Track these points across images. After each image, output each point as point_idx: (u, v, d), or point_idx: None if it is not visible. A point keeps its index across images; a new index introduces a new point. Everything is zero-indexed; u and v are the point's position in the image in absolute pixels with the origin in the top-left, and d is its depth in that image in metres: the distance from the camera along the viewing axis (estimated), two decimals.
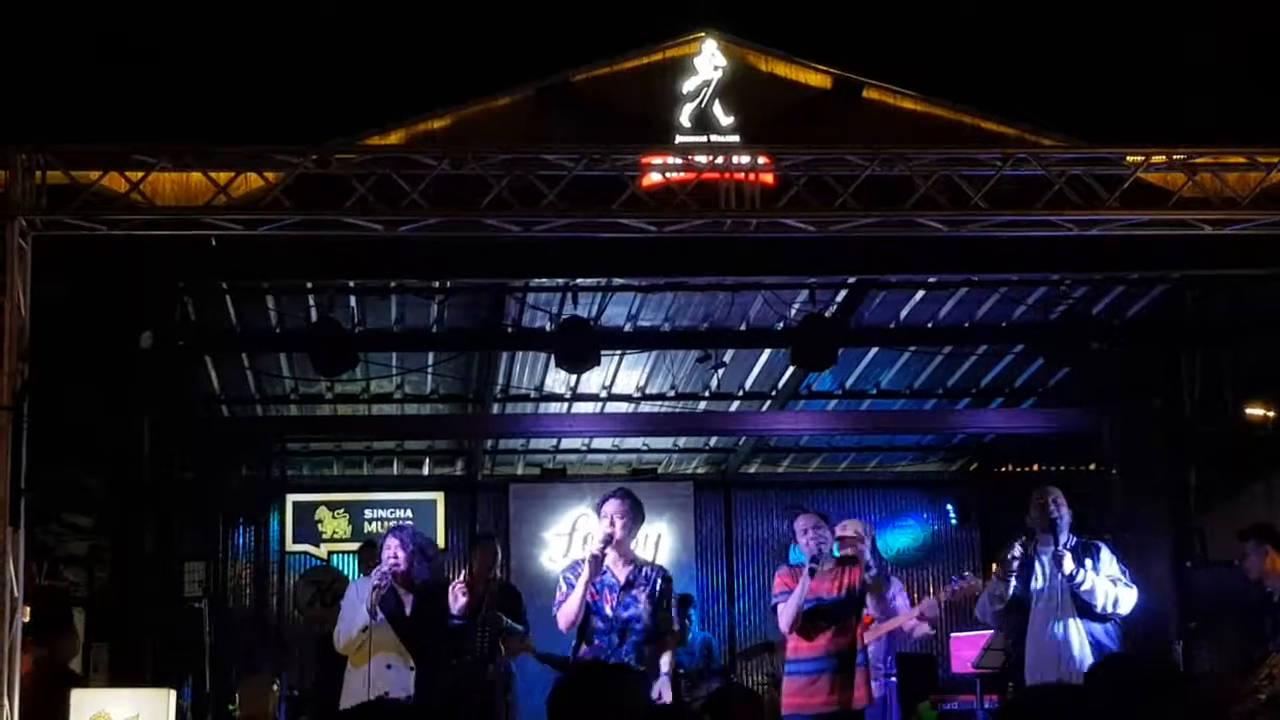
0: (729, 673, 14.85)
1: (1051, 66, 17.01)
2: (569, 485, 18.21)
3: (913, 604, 12.59)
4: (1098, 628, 9.91)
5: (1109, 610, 9.88)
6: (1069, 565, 9.86)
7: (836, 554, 10.47)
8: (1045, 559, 10.06)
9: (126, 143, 10.44)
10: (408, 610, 9.07)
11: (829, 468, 18.95)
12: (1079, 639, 9.89)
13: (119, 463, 12.69)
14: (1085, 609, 9.91)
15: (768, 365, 15.35)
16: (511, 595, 12.66)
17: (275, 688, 13.27)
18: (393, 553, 9.35)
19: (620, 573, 9.60)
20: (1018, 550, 10.06)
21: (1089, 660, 9.72)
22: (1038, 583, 10.05)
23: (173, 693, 10.39)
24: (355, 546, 16.67)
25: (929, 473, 19.18)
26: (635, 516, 9.65)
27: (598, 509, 9.77)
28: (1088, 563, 9.91)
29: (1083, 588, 9.84)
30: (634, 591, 9.55)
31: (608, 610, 9.55)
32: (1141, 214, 10.80)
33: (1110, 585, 9.89)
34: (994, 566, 10.52)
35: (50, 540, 14.33)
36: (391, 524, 16.75)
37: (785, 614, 10.06)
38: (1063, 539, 9.99)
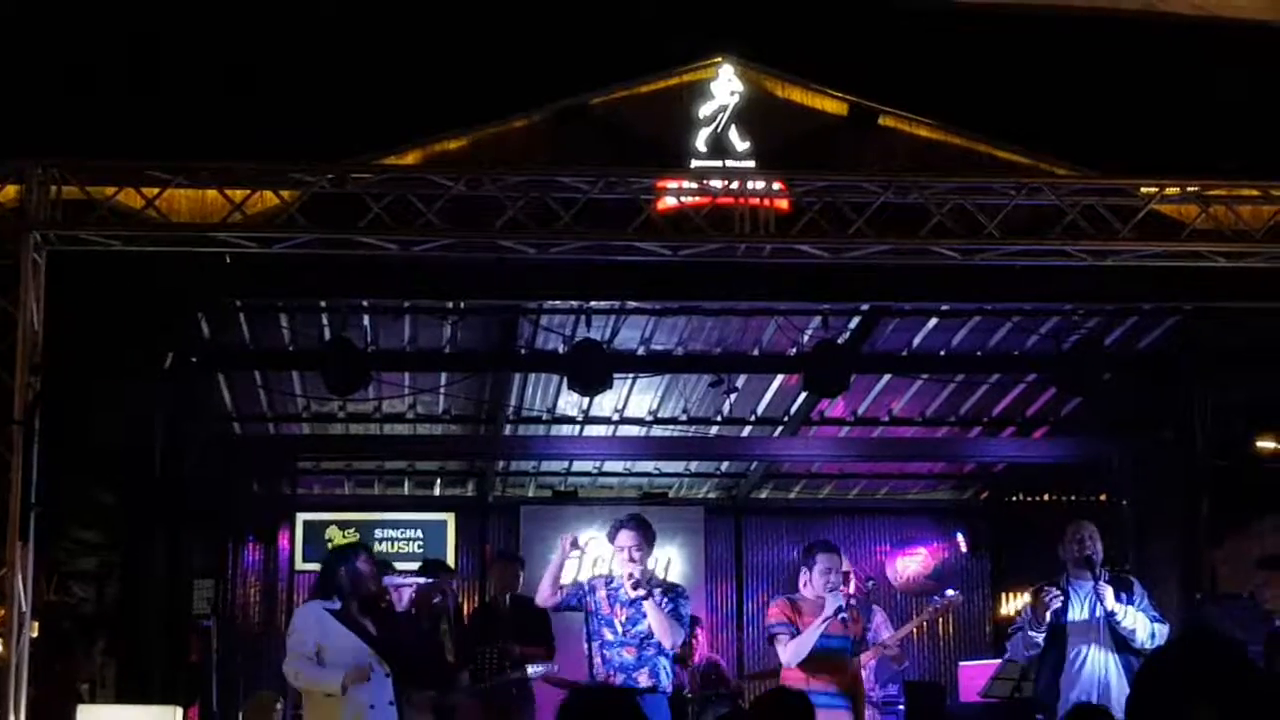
0: (736, 697, 14.80)
1: (1066, 96, 17.02)
2: (580, 507, 18.18)
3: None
4: (1135, 662, 9.85)
5: (1147, 645, 9.81)
6: (1111, 601, 9.81)
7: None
8: (1080, 592, 10.00)
9: (142, 159, 10.50)
10: (372, 629, 9.07)
11: (840, 494, 18.91)
12: (1118, 674, 9.84)
13: (130, 479, 12.70)
14: (1123, 643, 9.86)
15: (780, 390, 15.35)
16: (536, 613, 12.51)
17: (279, 707, 13.26)
18: (370, 567, 9.30)
19: (632, 592, 9.64)
20: (1057, 603, 9.98)
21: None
22: (1073, 614, 9.99)
23: (179, 710, 10.40)
24: None
25: (940, 501, 19.14)
26: (650, 543, 9.78)
27: (612, 537, 9.79)
28: (1124, 597, 9.89)
29: (1124, 623, 9.78)
30: (643, 609, 9.57)
31: (618, 625, 9.59)
32: (1155, 245, 10.84)
33: (1148, 621, 9.86)
34: (1028, 606, 10.44)
35: (60, 555, 14.35)
36: (422, 548, 17.01)
37: (794, 648, 9.77)
38: (1099, 573, 9.95)
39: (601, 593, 9.75)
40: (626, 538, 9.68)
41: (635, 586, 9.57)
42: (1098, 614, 9.89)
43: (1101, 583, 9.87)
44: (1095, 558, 9.97)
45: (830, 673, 9.74)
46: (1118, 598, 9.85)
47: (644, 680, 9.55)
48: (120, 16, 15.60)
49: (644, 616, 9.57)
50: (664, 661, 9.67)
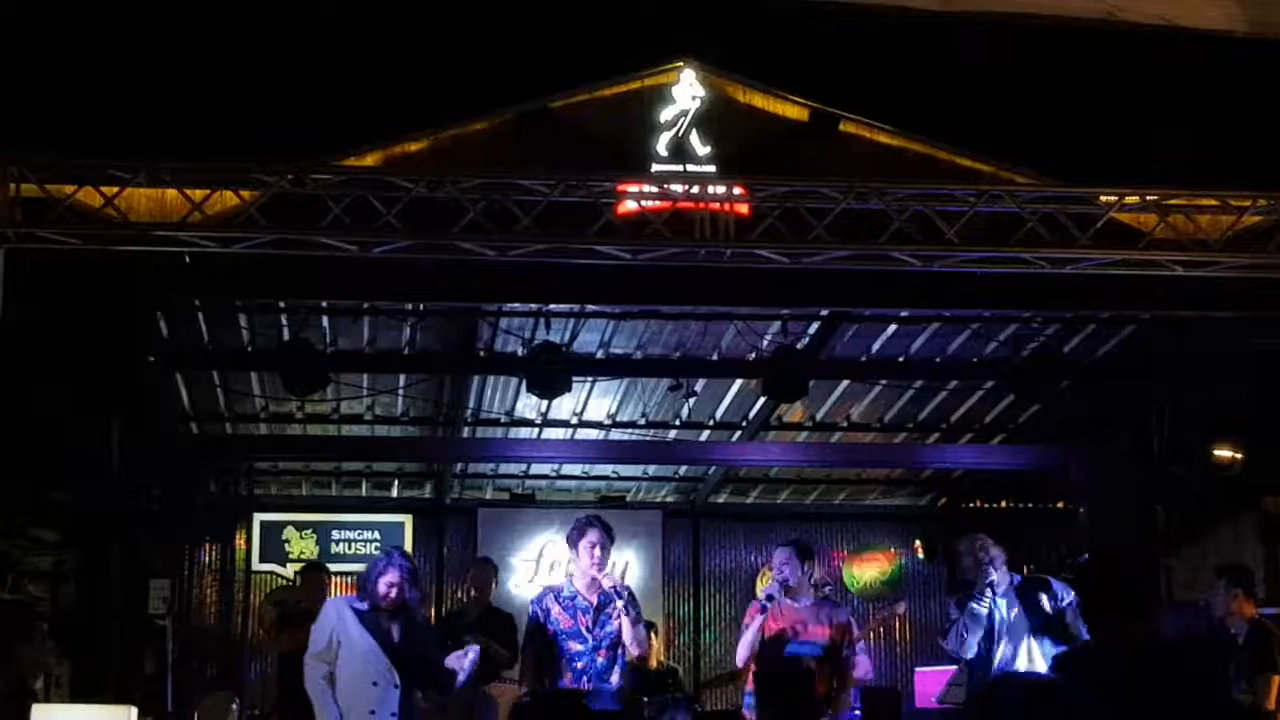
0: (694, 702, 14.78)
1: (1027, 105, 17.06)
2: (538, 511, 18.19)
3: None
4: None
5: (1077, 635, 9.86)
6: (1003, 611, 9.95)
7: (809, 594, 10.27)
8: (996, 597, 10.05)
9: (102, 157, 10.43)
10: (396, 636, 9.11)
11: (797, 499, 18.94)
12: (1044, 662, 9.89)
13: (87, 478, 12.63)
14: (1060, 636, 9.93)
15: (739, 395, 15.36)
16: (504, 620, 12.53)
17: (234, 707, 13.21)
18: (392, 581, 9.24)
19: (591, 597, 9.67)
20: (980, 604, 10.06)
21: None
22: (996, 619, 10.05)
23: (134, 710, 10.33)
24: None
25: (897, 507, 19.18)
26: (612, 542, 9.79)
27: (578, 534, 9.76)
28: (1043, 598, 9.95)
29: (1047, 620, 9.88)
30: (607, 610, 9.60)
31: (585, 632, 9.59)
32: (1113, 254, 10.88)
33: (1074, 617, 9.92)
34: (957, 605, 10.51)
35: (15, 553, 14.27)
36: (379, 548, 16.90)
37: (742, 645, 9.98)
38: (1003, 577, 10.04)
39: (555, 609, 9.70)
40: (595, 535, 9.67)
41: (611, 587, 9.61)
42: (1015, 613, 9.98)
43: (1011, 588, 9.99)
44: (996, 561, 10.06)
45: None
46: (1036, 600, 9.96)
47: (615, 680, 9.59)
48: (78, 14, 15.52)
49: (609, 619, 9.60)
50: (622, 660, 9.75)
